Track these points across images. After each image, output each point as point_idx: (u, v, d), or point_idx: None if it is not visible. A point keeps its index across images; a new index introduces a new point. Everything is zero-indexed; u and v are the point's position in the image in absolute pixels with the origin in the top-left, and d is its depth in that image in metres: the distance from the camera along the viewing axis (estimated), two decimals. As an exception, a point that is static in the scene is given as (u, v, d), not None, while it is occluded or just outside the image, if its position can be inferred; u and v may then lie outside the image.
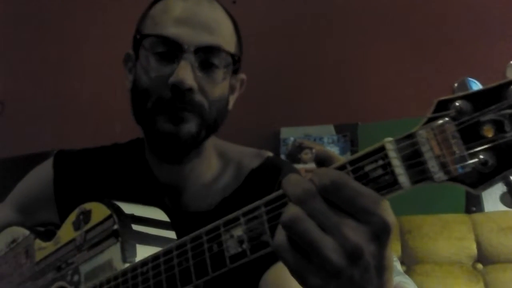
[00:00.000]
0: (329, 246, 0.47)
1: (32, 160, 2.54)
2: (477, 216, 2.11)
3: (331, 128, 2.54)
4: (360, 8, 2.66)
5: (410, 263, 2.05)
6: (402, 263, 2.04)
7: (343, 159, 0.52)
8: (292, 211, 0.49)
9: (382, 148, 0.49)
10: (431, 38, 2.52)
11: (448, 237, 2.04)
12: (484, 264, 2.00)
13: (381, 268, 0.49)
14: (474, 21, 2.46)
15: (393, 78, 2.53)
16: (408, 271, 2.00)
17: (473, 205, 2.16)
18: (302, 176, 0.52)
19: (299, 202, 0.49)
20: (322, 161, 0.52)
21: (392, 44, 2.58)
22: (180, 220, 0.90)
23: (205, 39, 0.87)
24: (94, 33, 2.93)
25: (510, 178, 0.44)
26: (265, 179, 0.95)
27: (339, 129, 2.53)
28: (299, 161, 2.46)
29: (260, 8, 2.72)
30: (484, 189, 0.44)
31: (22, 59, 2.98)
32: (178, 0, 0.91)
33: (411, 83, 2.48)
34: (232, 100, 0.99)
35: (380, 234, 0.48)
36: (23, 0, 3.05)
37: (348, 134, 2.49)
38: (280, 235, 0.50)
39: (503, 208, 2.04)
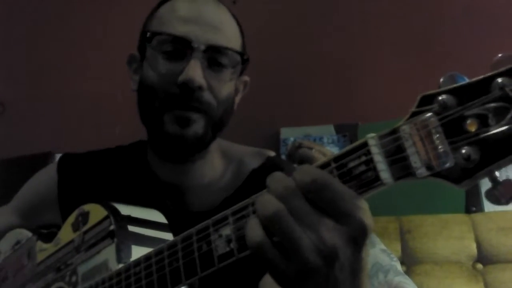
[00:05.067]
0: (306, 245, 0.48)
1: (32, 161, 2.58)
2: (477, 216, 2.09)
3: (331, 128, 2.54)
4: (360, 8, 2.66)
5: (410, 263, 2.04)
6: (402, 263, 2.01)
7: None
8: (272, 203, 0.49)
9: (365, 144, 0.48)
10: (432, 38, 2.51)
11: (448, 237, 2.02)
12: (484, 264, 1.99)
13: (356, 270, 0.50)
14: (475, 21, 2.45)
15: (393, 78, 2.52)
16: (408, 271, 1.98)
17: (473, 205, 2.15)
18: (286, 175, 0.52)
19: (280, 198, 0.49)
20: (304, 161, 0.53)
21: (392, 44, 2.58)
22: (182, 220, 0.90)
23: (214, 38, 0.88)
24: (95, 33, 2.93)
25: (494, 173, 0.43)
26: (265, 179, 0.95)
27: (339, 129, 2.52)
28: (298, 161, 2.45)
29: (260, 8, 2.72)
30: (468, 185, 0.43)
31: (22, 60, 2.98)
32: (185, 1, 0.92)
33: (411, 83, 2.47)
34: (236, 101, 1.00)
35: (357, 236, 0.48)
36: (23, 0, 3.05)
37: (348, 134, 2.49)
38: (258, 231, 0.50)
39: (503, 208, 2.04)
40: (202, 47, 0.87)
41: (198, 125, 0.88)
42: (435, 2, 2.54)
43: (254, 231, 0.50)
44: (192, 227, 0.65)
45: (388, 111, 2.40)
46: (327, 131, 2.54)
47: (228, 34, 0.92)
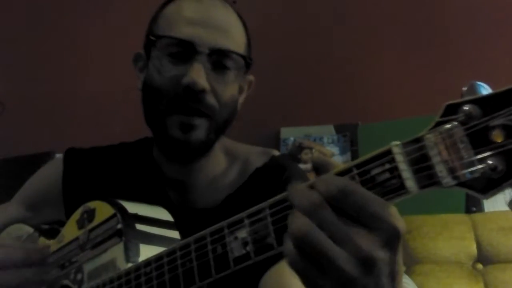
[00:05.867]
0: (342, 256, 0.47)
1: (32, 161, 2.57)
2: (477, 216, 2.09)
3: (331, 128, 2.53)
4: (360, 8, 2.66)
5: (410, 263, 2.03)
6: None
7: (339, 164, 0.51)
8: (301, 222, 0.48)
9: (389, 152, 0.48)
10: (431, 37, 2.52)
11: (448, 237, 2.02)
12: (484, 264, 1.98)
13: (394, 273, 0.49)
14: (475, 21, 2.46)
15: (394, 78, 2.53)
16: (408, 271, 1.98)
17: (473, 205, 2.14)
18: (307, 186, 0.51)
19: (307, 214, 0.48)
20: (320, 167, 0.52)
21: (393, 44, 2.58)
22: (186, 216, 0.91)
23: (219, 41, 0.88)
24: (95, 33, 2.92)
25: (519, 184, 0.43)
26: (269, 178, 0.96)
27: (339, 129, 2.52)
28: (299, 161, 2.45)
29: (260, 8, 2.71)
30: (493, 194, 0.43)
31: (22, 60, 2.97)
32: (192, 2, 0.92)
33: (411, 83, 2.48)
34: (240, 101, 1.00)
35: (391, 240, 0.48)
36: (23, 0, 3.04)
37: (348, 134, 2.49)
38: (290, 245, 0.49)
39: (503, 208, 2.04)
40: (206, 50, 0.87)
41: (201, 130, 0.89)
42: (436, 2, 2.55)
43: (287, 247, 0.50)
44: (195, 223, 0.65)
45: (388, 111, 2.42)
46: (327, 131, 2.54)
47: (234, 37, 0.92)
